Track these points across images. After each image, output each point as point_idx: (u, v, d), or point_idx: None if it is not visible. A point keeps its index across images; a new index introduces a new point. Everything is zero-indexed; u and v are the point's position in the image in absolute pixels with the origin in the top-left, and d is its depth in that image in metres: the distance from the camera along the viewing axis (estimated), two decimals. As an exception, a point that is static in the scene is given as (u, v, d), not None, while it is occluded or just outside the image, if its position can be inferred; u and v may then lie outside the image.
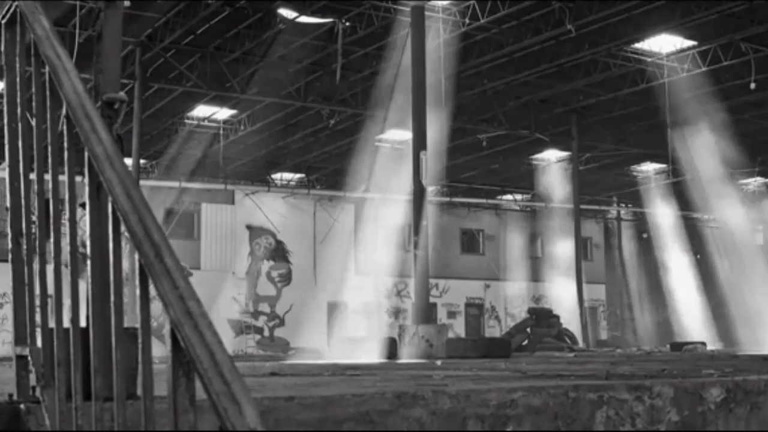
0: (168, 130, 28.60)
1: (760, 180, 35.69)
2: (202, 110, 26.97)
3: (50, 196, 2.34)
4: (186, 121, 27.89)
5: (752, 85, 22.65)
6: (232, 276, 32.70)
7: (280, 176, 34.67)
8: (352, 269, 34.58)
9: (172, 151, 29.28)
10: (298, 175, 34.87)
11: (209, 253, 32.57)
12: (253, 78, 23.25)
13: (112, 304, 1.99)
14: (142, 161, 26.09)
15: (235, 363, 1.57)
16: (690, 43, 22.26)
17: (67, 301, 2.33)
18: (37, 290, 2.55)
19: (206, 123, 28.10)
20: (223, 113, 27.41)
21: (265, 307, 33.56)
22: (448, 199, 35.75)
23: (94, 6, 17.01)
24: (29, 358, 2.55)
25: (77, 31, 13.25)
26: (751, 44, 21.84)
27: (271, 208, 33.41)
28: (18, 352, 2.61)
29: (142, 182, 25.47)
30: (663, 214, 36.36)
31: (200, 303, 1.54)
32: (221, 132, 28.63)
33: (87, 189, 2.13)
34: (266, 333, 33.38)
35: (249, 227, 33.49)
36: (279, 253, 33.96)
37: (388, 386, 3.59)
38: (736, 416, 3.95)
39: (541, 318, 27.52)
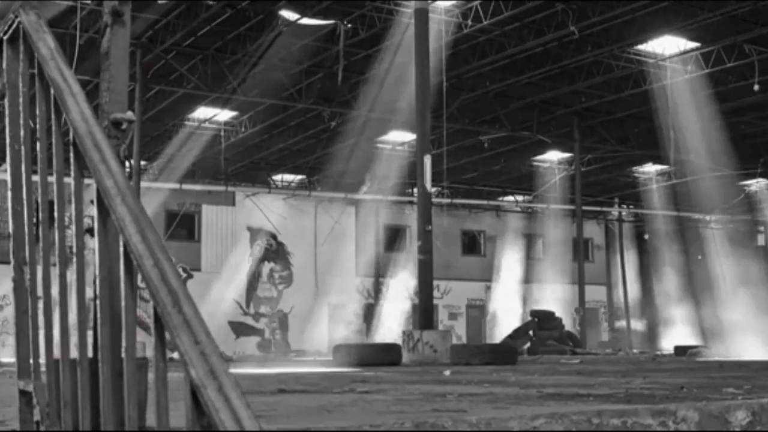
0: (169, 132, 28.48)
1: (762, 181, 35.60)
2: (202, 112, 26.85)
3: (56, 225, 2.22)
4: (187, 122, 27.77)
5: (756, 87, 22.55)
6: (233, 277, 32.55)
7: (281, 178, 34.55)
8: (353, 271, 34.48)
9: (172, 152, 29.16)
10: (299, 177, 34.75)
11: (210, 254, 32.44)
12: (254, 79, 23.14)
13: (123, 350, 1.86)
14: (142, 163, 25.96)
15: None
16: (693, 44, 22.16)
17: (74, 337, 2.21)
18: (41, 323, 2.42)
19: (207, 125, 27.97)
20: (224, 115, 27.30)
21: (266, 309, 33.43)
22: (449, 200, 35.65)
23: (95, 8, 16.89)
24: (33, 394, 2.42)
25: (78, 33, 13.13)
26: (754, 46, 21.75)
27: (272, 210, 33.29)
28: (21, 387, 2.47)
29: (142, 184, 25.38)
30: (664, 216, 36.25)
31: (221, 358, 1.42)
32: (222, 133, 28.52)
33: (96, 223, 2.00)
34: (267, 335, 33.25)
35: (249, 229, 33.36)
36: (280, 254, 33.83)
37: (404, 411, 3.47)
38: (761, 439, 3.83)
39: (544, 320, 27.38)
